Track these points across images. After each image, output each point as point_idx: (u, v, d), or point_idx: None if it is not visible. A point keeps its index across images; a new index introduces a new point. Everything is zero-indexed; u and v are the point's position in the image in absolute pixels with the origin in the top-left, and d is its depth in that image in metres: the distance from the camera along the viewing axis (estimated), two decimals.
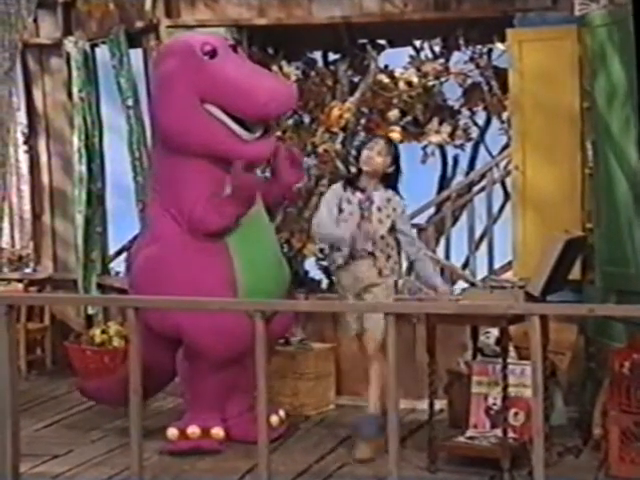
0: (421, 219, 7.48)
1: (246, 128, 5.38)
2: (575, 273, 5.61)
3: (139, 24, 7.21)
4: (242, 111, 5.30)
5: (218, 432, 5.48)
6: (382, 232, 5.39)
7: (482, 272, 7.27)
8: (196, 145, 5.37)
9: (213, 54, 5.38)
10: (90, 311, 7.55)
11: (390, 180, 5.48)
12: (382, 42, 7.40)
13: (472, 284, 6.52)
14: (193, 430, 5.44)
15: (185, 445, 5.42)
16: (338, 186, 5.52)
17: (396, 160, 5.49)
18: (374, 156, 5.39)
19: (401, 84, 7.30)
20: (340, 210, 5.39)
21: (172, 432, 5.46)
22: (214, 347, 5.36)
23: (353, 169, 5.96)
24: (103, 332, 7.21)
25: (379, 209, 5.40)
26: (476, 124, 8.32)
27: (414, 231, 5.99)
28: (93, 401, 6.25)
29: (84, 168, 7.50)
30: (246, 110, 5.29)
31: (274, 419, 5.49)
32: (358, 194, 5.40)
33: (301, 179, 6.03)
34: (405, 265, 7.13)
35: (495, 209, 7.65)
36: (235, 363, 5.46)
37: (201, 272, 5.34)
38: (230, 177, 5.35)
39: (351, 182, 5.48)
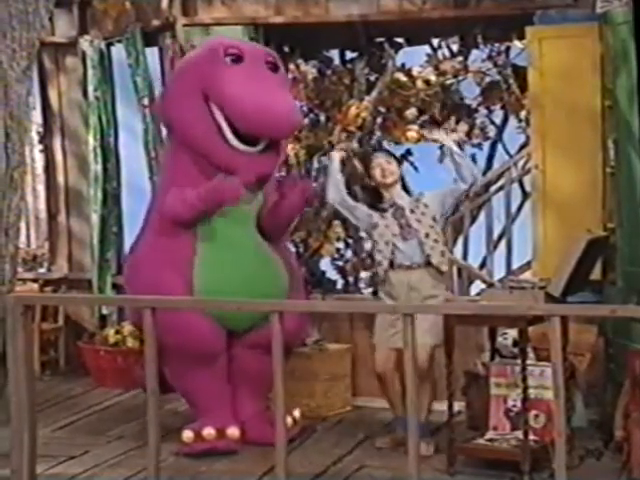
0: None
1: (245, 140, 5.30)
2: (596, 273, 5.56)
3: (155, 22, 7.19)
4: (237, 123, 5.25)
5: (233, 432, 5.45)
6: (425, 230, 5.40)
7: (499, 272, 7.22)
8: (189, 140, 5.35)
9: (236, 59, 5.32)
10: (104, 311, 7.53)
11: (404, 181, 5.63)
12: (400, 40, 7.36)
13: (490, 284, 6.47)
14: (209, 431, 5.41)
15: (201, 447, 5.39)
16: (365, 207, 5.57)
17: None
18: (387, 167, 5.48)
19: (419, 83, 7.25)
20: (374, 226, 5.46)
21: (187, 434, 5.43)
22: (175, 346, 5.29)
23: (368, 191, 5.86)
24: (117, 332, 7.19)
25: (412, 211, 5.45)
26: (493, 123, 8.27)
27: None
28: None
29: (99, 168, 7.48)
30: (239, 124, 5.24)
31: (288, 419, 5.43)
32: (390, 209, 5.45)
33: (302, 209, 5.92)
34: None
35: (513, 209, 7.60)
36: (212, 362, 5.44)
37: (161, 269, 5.35)
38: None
39: (375, 204, 5.52)
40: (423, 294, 5.38)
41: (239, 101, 5.20)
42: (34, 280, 7.79)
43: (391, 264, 5.42)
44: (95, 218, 7.51)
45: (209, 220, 5.38)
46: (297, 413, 5.69)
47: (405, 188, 5.65)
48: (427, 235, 5.40)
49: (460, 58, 7.36)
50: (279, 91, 5.38)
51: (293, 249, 6.93)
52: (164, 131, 7.13)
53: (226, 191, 5.23)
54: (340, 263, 7.66)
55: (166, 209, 5.36)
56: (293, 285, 5.63)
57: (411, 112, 7.33)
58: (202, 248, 5.40)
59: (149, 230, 5.61)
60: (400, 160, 5.72)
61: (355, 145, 7.27)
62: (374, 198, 5.56)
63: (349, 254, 7.65)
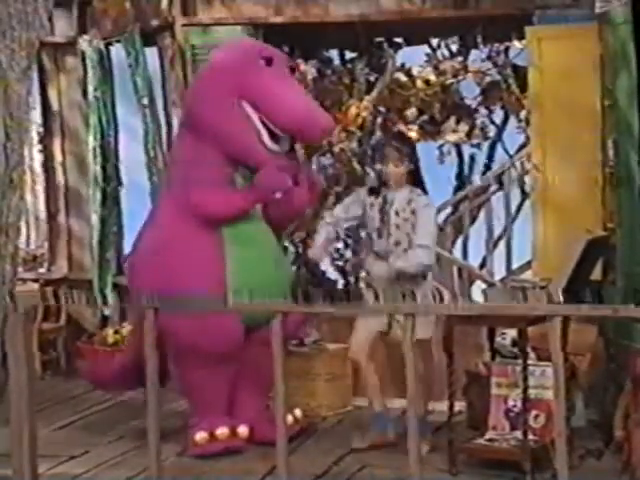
0: (439, 219, 7.44)
1: (274, 141, 5.35)
2: (596, 273, 5.56)
3: (154, 23, 7.19)
4: (276, 123, 5.28)
5: (244, 431, 5.47)
6: (397, 237, 5.32)
7: (500, 272, 7.23)
8: (220, 137, 5.35)
9: (269, 62, 5.37)
10: (106, 312, 7.53)
11: (412, 177, 5.42)
12: (399, 40, 7.37)
13: (491, 284, 6.48)
14: (222, 431, 5.41)
15: (215, 447, 5.37)
16: (363, 191, 5.51)
17: (413, 155, 5.47)
18: (391, 170, 5.34)
19: (418, 82, 7.27)
20: (364, 212, 5.41)
21: (201, 435, 5.38)
22: (199, 344, 5.31)
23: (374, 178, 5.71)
24: (116, 332, 7.19)
25: (397, 213, 5.33)
26: (493, 123, 8.29)
27: (430, 237, 5.41)
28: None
29: (99, 168, 7.48)
30: (278, 124, 5.27)
31: (289, 418, 5.43)
32: (380, 199, 5.38)
33: (311, 205, 5.96)
34: None
35: (513, 209, 7.60)
36: (230, 361, 5.44)
37: (191, 267, 5.31)
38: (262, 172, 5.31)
39: (376, 190, 5.43)
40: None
41: (282, 102, 5.26)
42: (34, 280, 7.79)
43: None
44: (95, 218, 7.51)
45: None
46: (298, 412, 5.69)
47: (415, 181, 5.44)
48: (398, 243, 5.32)
49: (460, 58, 7.38)
50: (309, 97, 5.61)
51: (292, 249, 6.95)
52: (164, 131, 7.19)
53: (275, 184, 5.31)
54: (340, 263, 7.68)
55: (205, 210, 5.33)
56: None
57: (411, 112, 7.35)
58: (230, 249, 5.40)
59: (163, 229, 5.52)
60: (411, 153, 5.47)
61: (355, 145, 7.28)
62: (379, 187, 5.43)
63: (349, 254, 7.67)
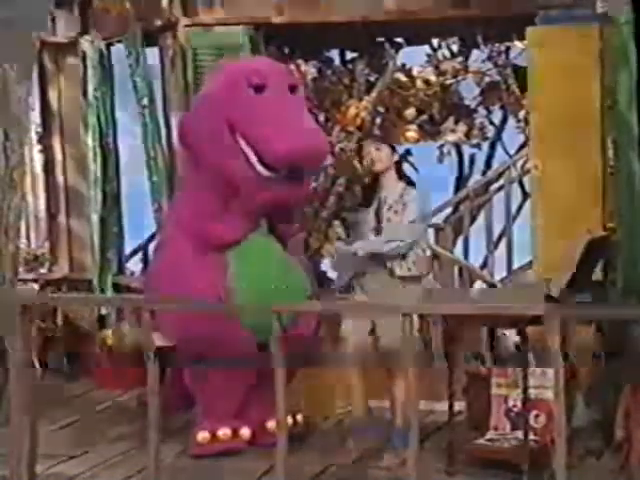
0: (439, 219, 7.46)
1: (270, 168, 5.26)
2: (596, 274, 5.56)
3: (157, 23, 7.19)
4: (260, 154, 5.21)
5: (245, 433, 5.47)
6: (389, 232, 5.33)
7: (500, 272, 7.23)
8: (214, 166, 5.32)
9: (259, 88, 5.26)
10: (103, 311, 7.53)
11: (400, 169, 5.46)
12: (400, 40, 7.37)
13: (491, 285, 6.48)
14: (224, 432, 5.41)
15: (216, 448, 5.37)
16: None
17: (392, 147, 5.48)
18: (375, 154, 5.37)
19: (419, 82, 7.26)
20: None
21: (203, 435, 5.39)
22: (206, 353, 5.31)
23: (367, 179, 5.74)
24: (114, 334, 7.19)
25: (389, 207, 5.37)
26: (492, 123, 8.29)
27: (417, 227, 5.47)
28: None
29: (99, 168, 7.47)
30: (263, 155, 5.20)
31: (290, 421, 5.43)
32: (374, 204, 5.40)
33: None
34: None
35: (513, 209, 7.61)
36: (243, 368, 5.41)
37: (195, 282, 5.28)
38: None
39: (366, 196, 5.46)
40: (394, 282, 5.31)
41: (267, 137, 5.15)
42: (35, 280, 7.78)
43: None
44: (95, 218, 7.51)
45: None
46: (299, 417, 5.69)
47: (401, 174, 5.49)
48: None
49: (460, 58, 7.38)
50: (305, 120, 5.35)
51: None
52: (164, 131, 7.21)
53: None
54: None
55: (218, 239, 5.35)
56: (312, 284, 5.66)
57: (410, 112, 7.34)
58: (233, 259, 5.37)
59: (171, 237, 5.57)
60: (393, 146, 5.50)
61: (354, 145, 7.27)
62: (369, 191, 5.47)
63: None
